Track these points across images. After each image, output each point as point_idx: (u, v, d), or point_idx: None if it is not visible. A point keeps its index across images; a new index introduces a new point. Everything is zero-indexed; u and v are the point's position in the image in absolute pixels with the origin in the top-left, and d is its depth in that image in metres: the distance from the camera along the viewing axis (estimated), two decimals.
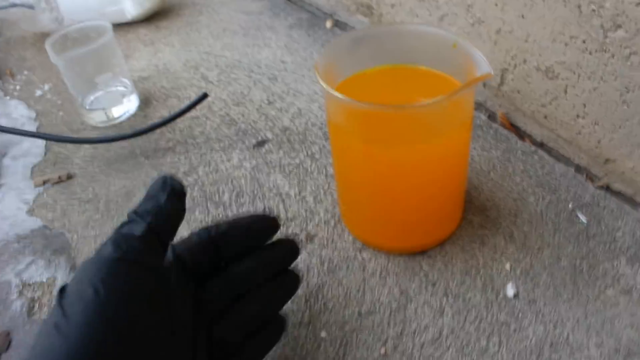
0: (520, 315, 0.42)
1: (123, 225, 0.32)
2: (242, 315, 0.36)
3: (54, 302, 0.29)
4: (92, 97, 0.68)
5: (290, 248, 0.40)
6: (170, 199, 0.33)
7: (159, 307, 0.31)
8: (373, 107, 0.36)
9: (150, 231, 0.32)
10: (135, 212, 0.33)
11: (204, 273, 0.36)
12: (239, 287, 0.37)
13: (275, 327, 0.39)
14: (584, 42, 0.46)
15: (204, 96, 0.63)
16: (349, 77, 0.44)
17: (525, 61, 0.53)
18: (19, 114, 0.72)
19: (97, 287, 0.28)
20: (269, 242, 0.39)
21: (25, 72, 0.82)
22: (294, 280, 0.40)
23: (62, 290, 0.29)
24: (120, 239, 0.31)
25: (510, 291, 0.43)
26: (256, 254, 0.38)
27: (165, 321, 0.31)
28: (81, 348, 0.27)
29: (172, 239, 0.34)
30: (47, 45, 0.63)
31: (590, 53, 0.46)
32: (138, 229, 0.31)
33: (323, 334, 0.42)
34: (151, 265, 0.31)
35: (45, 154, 0.65)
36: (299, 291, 0.44)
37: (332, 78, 0.42)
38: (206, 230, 0.37)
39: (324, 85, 0.37)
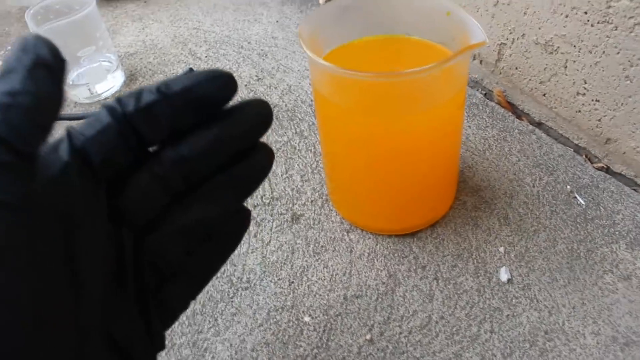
0: (513, 301, 0.39)
1: None
2: (182, 221, 0.25)
3: None
4: (75, 73, 0.65)
5: (257, 114, 0.26)
6: (32, 78, 0.19)
7: (34, 260, 0.19)
8: (359, 76, 0.34)
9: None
10: None
11: (122, 169, 0.24)
12: (176, 181, 0.25)
13: (234, 225, 0.29)
14: (585, 13, 0.44)
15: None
16: (336, 48, 0.41)
17: (523, 35, 0.50)
18: None
19: None
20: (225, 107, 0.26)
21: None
22: (264, 160, 0.28)
23: None
24: None
25: (503, 276, 0.41)
26: (203, 130, 0.25)
27: (55, 272, 0.20)
28: None
29: (39, 145, 0.20)
30: (27, 16, 0.60)
31: (592, 25, 0.43)
32: None
33: (306, 318, 0.40)
34: (5, 201, 0.19)
35: None
36: (282, 273, 0.42)
37: (318, 48, 0.39)
38: (120, 104, 0.23)
39: (309, 53, 0.35)
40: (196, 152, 0.25)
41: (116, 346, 0.23)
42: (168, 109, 0.23)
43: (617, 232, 0.43)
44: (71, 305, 0.21)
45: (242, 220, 0.29)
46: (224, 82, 0.24)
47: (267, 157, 0.28)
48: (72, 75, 0.65)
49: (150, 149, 0.25)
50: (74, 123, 0.23)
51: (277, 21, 0.78)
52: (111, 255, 0.24)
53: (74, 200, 0.22)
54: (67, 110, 0.64)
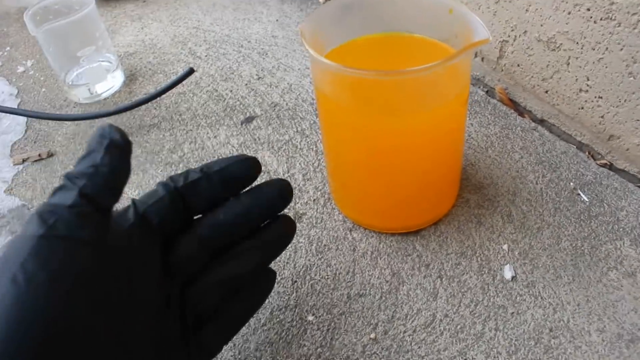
0: (518, 298, 0.39)
1: (54, 193, 0.26)
2: (219, 275, 0.32)
3: None
4: (74, 73, 0.65)
5: (279, 190, 0.34)
6: (108, 155, 0.27)
7: (101, 287, 0.26)
8: (362, 74, 0.34)
9: (84, 198, 0.26)
10: (67, 175, 0.27)
11: (173, 229, 0.31)
12: (215, 242, 0.32)
13: (262, 283, 0.35)
14: (588, 9, 0.43)
15: (190, 72, 0.60)
16: (339, 46, 0.41)
17: (525, 32, 0.50)
18: (0, 90, 0.70)
19: (16, 275, 0.23)
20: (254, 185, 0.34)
21: (8, 48, 0.80)
22: (286, 229, 0.35)
23: None
24: (46, 211, 0.25)
25: (507, 273, 0.41)
26: (235, 201, 0.33)
27: (117, 300, 0.26)
28: None
29: (113, 203, 0.28)
30: (26, 17, 0.60)
31: (595, 21, 0.43)
32: (68, 196, 0.26)
33: (310, 317, 0.39)
34: (86, 239, 0.25)
35: (26, 131, 0.62)
36: (285, 272, 0.42)
37: (320, 46, 0.39)
38: (172, 181, 0.31)
39: (311, 52, 0.35)
40: (230, 218, 0.32)
41: None
42: (208, 184, 0.31)
43: (621, 229, 0.43)
44: (124, 340, 0.26)
45: (268, 280, 0.36)
46: (251, 163, 0.33)
47: (287, 227, 0.35)
48: (72, 76, 0.65)
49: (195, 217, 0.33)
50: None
51: (277, 20, 0.78)
52: (161, 298, 0.29)
53: (137, 251, 0.29)
54: (66, 110, 0.64)
